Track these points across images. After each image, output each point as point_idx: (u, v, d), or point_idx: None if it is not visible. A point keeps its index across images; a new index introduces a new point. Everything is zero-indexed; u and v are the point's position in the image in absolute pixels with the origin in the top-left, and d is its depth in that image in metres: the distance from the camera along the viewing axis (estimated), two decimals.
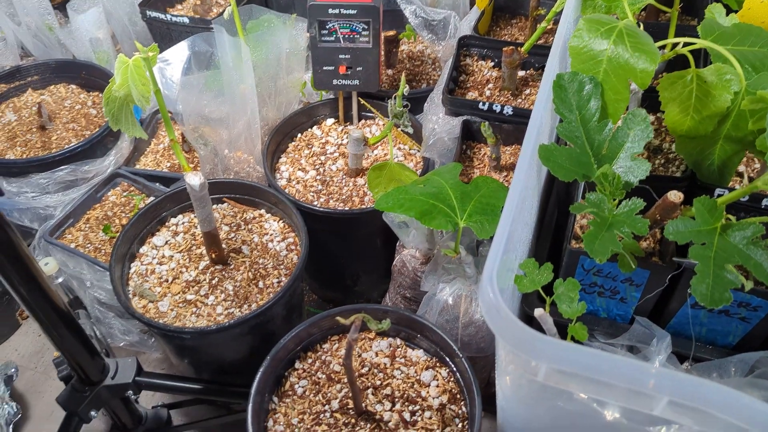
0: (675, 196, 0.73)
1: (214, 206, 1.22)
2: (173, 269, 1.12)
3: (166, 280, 1.10)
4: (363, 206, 1.18)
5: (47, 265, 1.21)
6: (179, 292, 1.08)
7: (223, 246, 1.11)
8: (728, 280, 0.65)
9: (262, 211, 1.21)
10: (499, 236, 0.64)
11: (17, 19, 1.60)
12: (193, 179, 0.93)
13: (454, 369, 0.93)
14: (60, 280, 1.26)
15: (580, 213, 0.82)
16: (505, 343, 0.62)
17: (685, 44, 0.85)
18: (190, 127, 1.22)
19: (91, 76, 1.58)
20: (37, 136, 1.46)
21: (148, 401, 1.29)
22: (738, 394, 0.51)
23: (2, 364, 1.31)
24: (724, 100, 0.80)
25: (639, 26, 0.87)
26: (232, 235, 1.17)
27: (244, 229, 1.18)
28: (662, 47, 0.87)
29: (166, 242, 1.16)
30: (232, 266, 1.12)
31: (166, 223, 1.19)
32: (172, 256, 1.14)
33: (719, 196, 0.84)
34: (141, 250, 1.15)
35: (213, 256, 1.10)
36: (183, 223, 1.19)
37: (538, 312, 0.74)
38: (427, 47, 1.53)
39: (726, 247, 0.68)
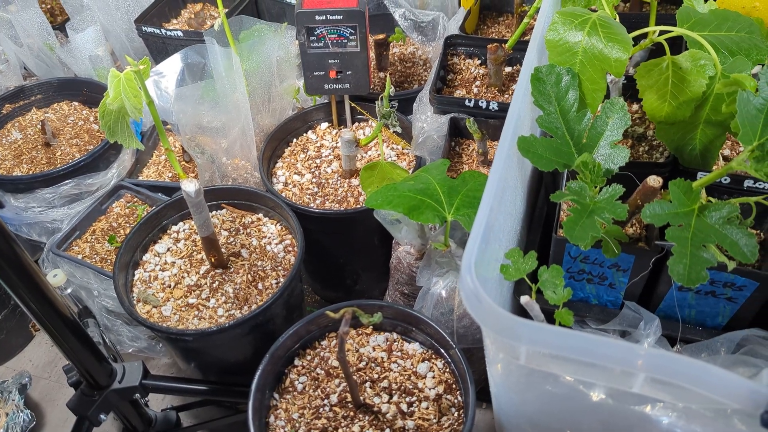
0: (654, 180, 0.75)
1: (214, 212, 1.25)
2: (175, 275, 1.15)
3: (169, 286, 1.13)
4: (358, 206, 1.21)
5: (56, 276, 1.24)
6: (181, 297, 1.11)
7: (223, 250, 1.14)
8: (704, 259, 0.67)
9: (260, 215, 1.24)
10: (477, 226, 0.66)
11: (19, 41, 1.64)
12: (189, 186, 0.96)
13: (449, 360, 0.95)
14: (68, 290, 1.29)
15: (560, 201, 0.84)
16: (487, 329, 0.63)
17: (663, 32, 0.87)
18: (186, 137, 1.25)
19: (92, 93, 1.62)
20: (43, 152, 1.50)
21: (158, 405, 1.32)
22: (705, 366, 0.53)
23: (16, 374, 1.34)
24: (699, 85, 0.81)
25: (616, 18, 0.89)
26: (232, 239, 1.19)
27: (243, 233, 1.21)
28: (642, 36, 0.89)
29: (168, 249, 1.19)
30: (231, 270, 1.14)
31: (168, 231, 1.23)
32: (174, 262, 1.17)
33: None
34: (144, 258, 1.18)
35: (213, 260, 1.13)
36: (184, 230, 1.22)
37: (524, 299, 0.76)
38: (417, 49, 1.55)
39: (703, 228, 0.70)
